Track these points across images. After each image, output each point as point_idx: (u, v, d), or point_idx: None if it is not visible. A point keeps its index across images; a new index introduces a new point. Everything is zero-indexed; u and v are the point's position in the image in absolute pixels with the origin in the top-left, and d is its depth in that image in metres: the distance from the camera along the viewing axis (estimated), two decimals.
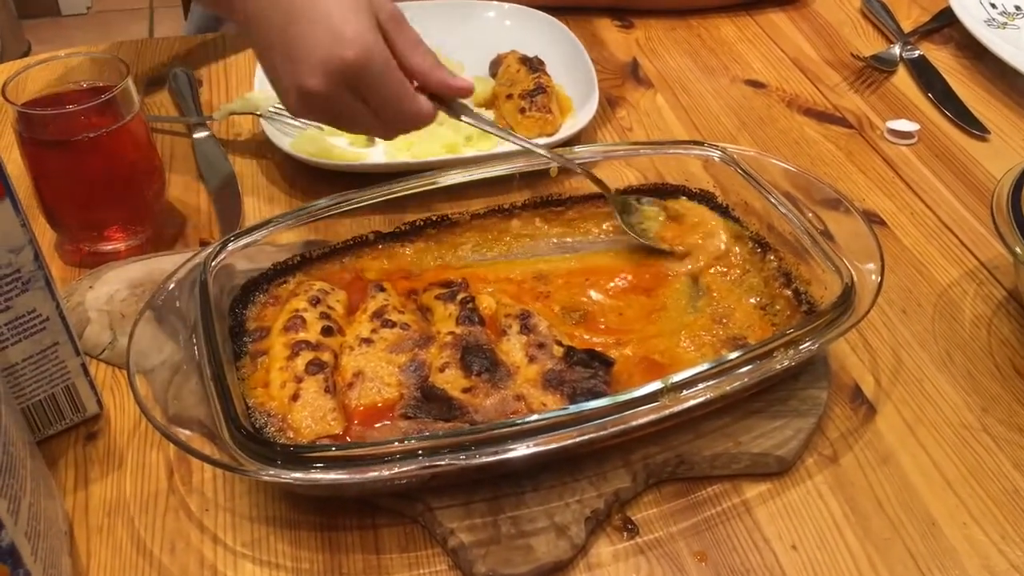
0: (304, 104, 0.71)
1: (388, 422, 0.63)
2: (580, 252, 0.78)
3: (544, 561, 0.58)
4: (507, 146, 0.93)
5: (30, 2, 3.11)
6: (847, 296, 0.65)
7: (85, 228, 0.82)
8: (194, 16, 1.31)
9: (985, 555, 0.60)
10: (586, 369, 0.65)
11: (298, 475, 0.56)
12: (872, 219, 0.86)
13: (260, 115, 0.94)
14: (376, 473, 0.56)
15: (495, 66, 1.05)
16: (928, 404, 0.70)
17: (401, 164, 0.90)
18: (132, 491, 0.64)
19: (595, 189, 0.79)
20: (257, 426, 0.61)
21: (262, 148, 0.96)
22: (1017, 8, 1.16)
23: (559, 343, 0.67)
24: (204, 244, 0.84)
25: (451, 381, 0.64)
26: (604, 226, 0.81)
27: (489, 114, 0.99)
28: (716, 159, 0.79)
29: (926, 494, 0.63)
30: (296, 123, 0.95)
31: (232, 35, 1.16)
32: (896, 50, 1.13)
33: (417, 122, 0.73)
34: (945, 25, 1.18)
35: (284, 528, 0.61)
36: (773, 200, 0.74)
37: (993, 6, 1.16)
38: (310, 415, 0.62)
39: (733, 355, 0.61)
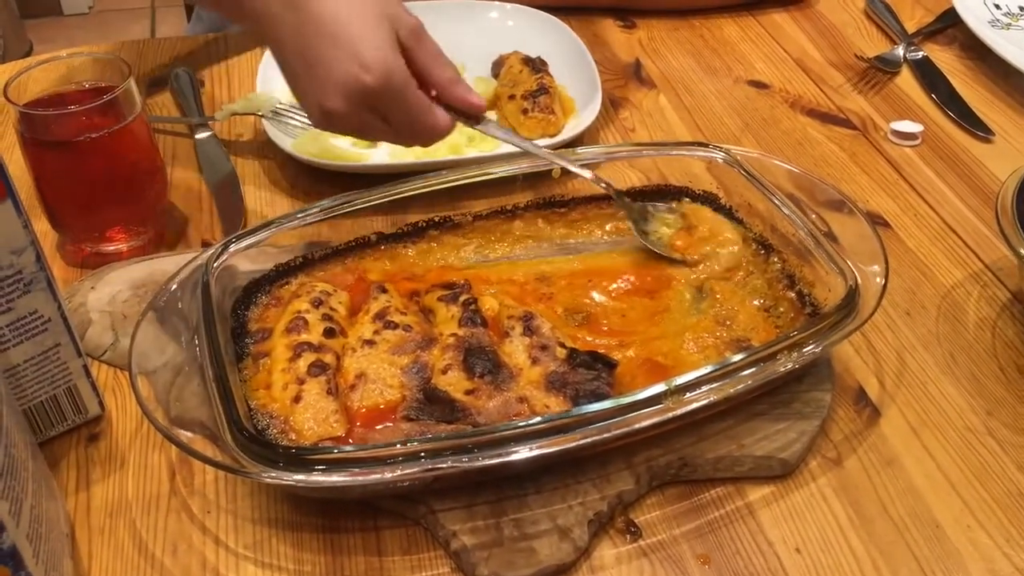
0: (327, 121, 0.74)
1: (390, 424, 0.63)
2: (583, 253, 0.78)
3: (547, 564, 0.58)
4: (509, 147, 0.93)
5: (32, 2, 3.11)
6: (851, 298, 0.65)
7: (87, 229, 0.82)
8: (201, 21, 1.30)
9: (990, 558, 0.59)
10: (589, 371, 0.64)
11: (300, 477, 0.56)
12: (876, 221, 0.86)
13: (262, 115, 0.94)
14: (378, 475, 0.56)
15: (497, 67, 1.05)
16: (932, 407, 0.69)
17: (403, 165, 0.89)
18: (134, 493, 0.64)
19: (597, 191, 0.78)
20: (259, 428, 0.61)
21: (264, 148, 0.95)
22: (1021, 9, 1.15)
23: (562, 345, 0.67)
24: (206, 245, 0.84)
25: (453, 383, 0.64)
26: (607, 227, 0.80)
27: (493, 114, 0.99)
28: (719, 160, 0.79)
29: (930, 497, 0.63)
30: (298, 124, 0.95)
31: (234, 35, 1.16)
32: (900, 51, 1.12)
33: (434, 136, 0.74)
34: (949, 26, 1.18)
35: (286, 530, 0.61)
36: (776, 202, 0.74)
37: (997, 7, 1.15)
38: (312, 417, 0.62)
39: (737, 357, 0.61)
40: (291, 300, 0.70)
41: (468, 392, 0.63)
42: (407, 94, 0.71)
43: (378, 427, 0.62)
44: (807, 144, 0.98)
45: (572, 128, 0.95)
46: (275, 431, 0.61)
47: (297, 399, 0.62)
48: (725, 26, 1.20)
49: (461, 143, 0.92)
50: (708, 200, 0.81)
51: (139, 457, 0.66)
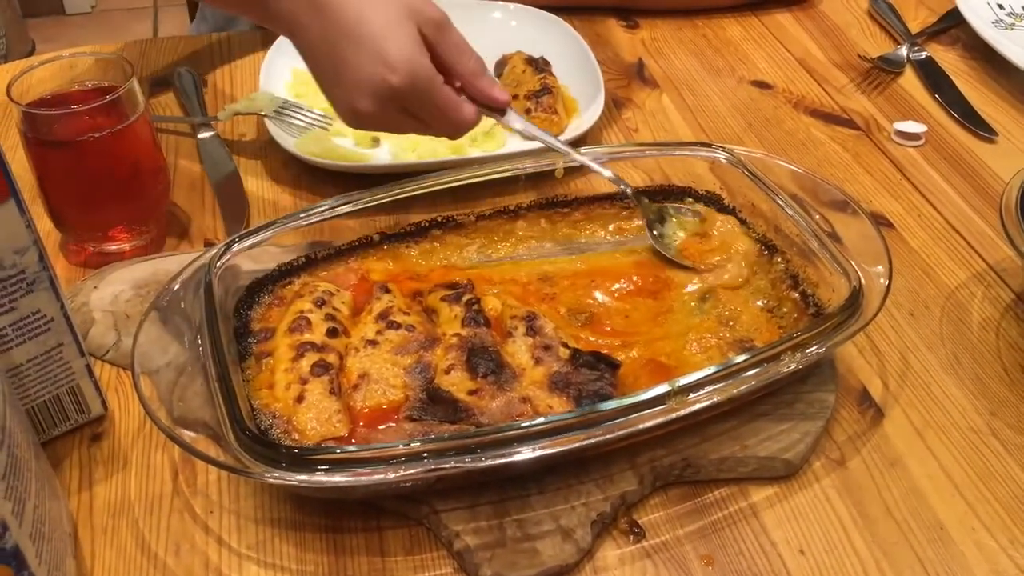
0: (357, 122, 0.75)
1: (393, 424, 0.63)
2: (586, 253, 0.78)
3: (550, 564, 0.57)
4: (512, 147, 0.93)
5: (34, 1, 3.11)
6: (855, 299, 0.65)
7: (90, 228, 0.82)
8: (204, 20, 1.30)
9: (994, 560, 0.59)
10: (592, 371, 0.64)
11: (303, 477, 0.55)
12: (879, 221, 0.86)
13: (265, 115, 0.94)
14: (381, 475, 0.56)
15: (500, 67, 1.05)
16: (936, 408, 0.69)
17: (406, 165, 0.90)
18: (137, 493, 0.64)
19: (600, 191, 0.78)
20: (262, 428, 0.61)
21: (267, 148, 0.95)
22: None
23: (565, 345, 0.67)
24: (209, 245, 0.83)
25: (456, 383, 0.63)
26: (610, 228, 0.80)
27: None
28: (722, 160, 0.79)
29: (934, 498, 0.63)
30: (301, 123, 0.95)
31: (237, 35, 1.16)
32: (903, 51, 1.12)
33: (462, 129, 0.76)
34: (952, 26, 1.18)
35: (289, 530, 0.61)
36: (780, 202, 0.74)
37: (1001, 7, 1.15)
38: (315, 417, 0.62)
39: (740, 358, 0.61)
40: (294, 300, 0.70)
41: (471, 392, 0.63)
42: (433, 91, 0.72)
43: (381, 427, 0.62)
44: (810, 144, 0.98)
45: (575, 128, 0.95)
46: (278, 431, 0.61)
47: (300, 399, 0.62)
48: (728, 26, 1.20)
49: (464, 143, 0.92)
50: (711, 201, 0.80)
51: (142, 457, 0.66)
